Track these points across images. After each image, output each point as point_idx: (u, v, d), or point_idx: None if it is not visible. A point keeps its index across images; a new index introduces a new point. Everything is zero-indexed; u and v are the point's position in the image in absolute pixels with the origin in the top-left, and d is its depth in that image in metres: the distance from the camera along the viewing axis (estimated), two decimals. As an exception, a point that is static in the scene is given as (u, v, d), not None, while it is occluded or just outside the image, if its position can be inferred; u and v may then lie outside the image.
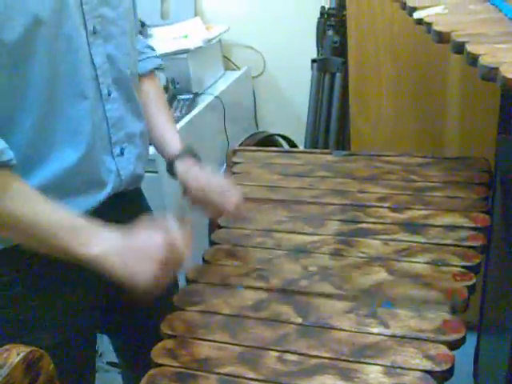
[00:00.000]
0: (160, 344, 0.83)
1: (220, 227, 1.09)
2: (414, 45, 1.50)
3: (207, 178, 0.99)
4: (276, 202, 1.14)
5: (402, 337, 0.78)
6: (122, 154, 0.92)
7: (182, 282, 1.00)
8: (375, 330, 0.80)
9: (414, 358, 0.74)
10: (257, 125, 2.27)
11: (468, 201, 1.06)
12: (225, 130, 1.95)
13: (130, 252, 0.77)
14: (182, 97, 1.82)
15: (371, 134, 1.66)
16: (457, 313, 0.81)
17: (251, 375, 0.76)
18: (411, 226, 1.01)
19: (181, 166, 1.00)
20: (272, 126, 2.17)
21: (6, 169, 0.75)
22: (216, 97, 1.91)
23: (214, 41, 1.99)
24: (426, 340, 0.77)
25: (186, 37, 1.96)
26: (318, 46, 1.95)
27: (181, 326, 0.85)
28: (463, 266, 0.89)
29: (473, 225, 0.99)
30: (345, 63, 1.76)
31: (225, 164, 1.37)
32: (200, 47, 1.88)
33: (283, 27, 2.09)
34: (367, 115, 1.64)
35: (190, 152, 1.02)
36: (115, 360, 1.28)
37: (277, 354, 0.78)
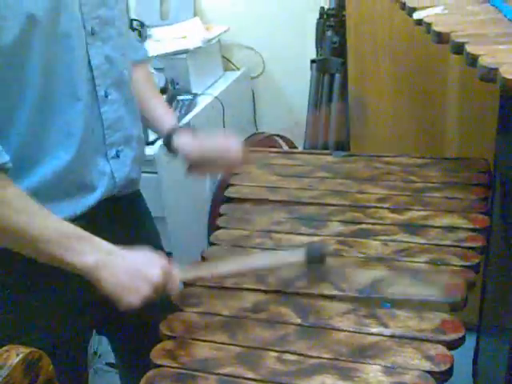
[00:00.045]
0: (159, 345, 0.83)
1: (219, 228, 1.08)
2: (414, 46, 1.50)
3: (205, 141, 1.00)
4: (275, 202, 1.13)
5: (402, 337, 0.78)
6: (117, 156, 0.91)
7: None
8: (374, 331, 0.80)
9: (413, 358, 0.74)
10: (256, 125, 2.27)
11: (467, 201, 1.06)
12: (224, 130, 1.95)
13: (125, 268, 0.78)
14: (182, 97, 1.82)
15: (370, 134, 1.66)
16: (456, 310, 0.82)
17: (250, 375, 0.76)
18: (410, 227, 1.01)
19: (179, 139, 1.01)
20: (271, 127, 2.17)
21: (1, 172, 0.74)
22: (215, 97, 1.91)
23: (213, 41, 1.99)
24: (425, 340, 0.77)
25: (185, 37, 1.96)
26: (317, 47, 1.95)
27: (180, 327, 0.85)
28: (462, 266, 0.89)
29: (472, 226, 0.99)
30: (344, 64, 1.76)
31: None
32: (199, 47, 1.88)
33: (282, 28, 2.09)
34: (366, 116, 1.64)
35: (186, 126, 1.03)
36: (114, 361, 1.28)
37: (276, 354, 0.78)
